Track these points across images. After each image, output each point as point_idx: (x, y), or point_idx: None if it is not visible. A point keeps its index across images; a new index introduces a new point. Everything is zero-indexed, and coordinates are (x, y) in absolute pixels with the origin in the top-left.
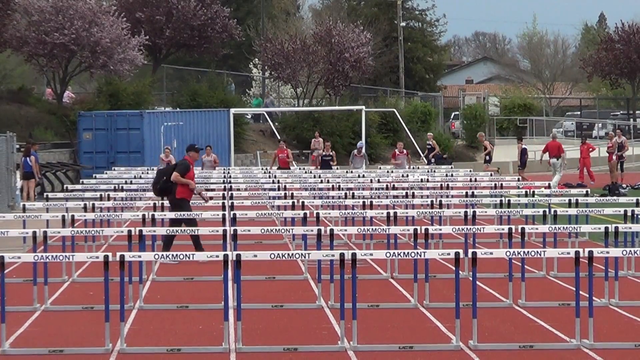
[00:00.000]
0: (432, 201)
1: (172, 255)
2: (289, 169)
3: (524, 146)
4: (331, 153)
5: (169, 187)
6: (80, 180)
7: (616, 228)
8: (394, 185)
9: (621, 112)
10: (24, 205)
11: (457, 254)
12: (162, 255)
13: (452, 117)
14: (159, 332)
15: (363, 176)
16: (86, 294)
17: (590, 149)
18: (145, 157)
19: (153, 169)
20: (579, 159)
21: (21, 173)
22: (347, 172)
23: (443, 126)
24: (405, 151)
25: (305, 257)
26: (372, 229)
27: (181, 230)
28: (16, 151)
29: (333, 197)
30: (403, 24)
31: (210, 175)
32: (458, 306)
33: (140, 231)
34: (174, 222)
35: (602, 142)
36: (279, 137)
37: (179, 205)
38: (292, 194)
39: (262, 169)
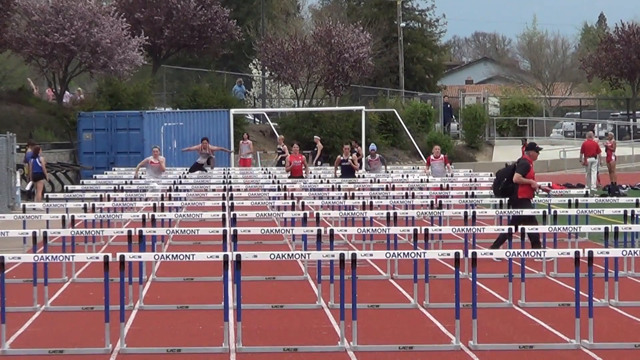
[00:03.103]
0: (431, 201)
1: (506, 252)
2: (302, 177)
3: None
4: (350, 157)
5: (510, 188)
6: (80, 181)
7: (616, 228)
8: (393, 185)
9: (621, 112)
10: (23, 205)
11: (457, 254)
12: (495, 252)
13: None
14: (159, 333)
15: (362, 177)
16: (86, 295)
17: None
18: (145, 157)
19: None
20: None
21: (30, 174)
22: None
23: (442, 126)
24: (442, 156)
25: (305, 257)
26: (372, 229)
27: (178, 230)
28: (16, 152)
29: (333, 198)
30: (403, 24)
31: (209, 175)
32: (458, 306)
33: (140, 231)
34: (513, 221)
35: (601, 142)
36: (278, 136)
37: (520, 204)
38: (292, 194)
39: (262, 169)
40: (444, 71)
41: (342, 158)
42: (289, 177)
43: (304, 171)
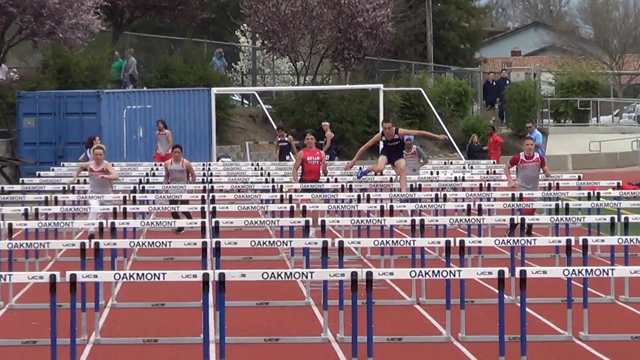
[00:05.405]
0: (468, 206)
1: (563, 270)
2: (318, 180)
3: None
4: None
5: None
6: (20, 179)
7: None
8: (419, 185)
9: None
10: None
11: (501, 272)
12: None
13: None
14: None
15: (381, 174)
16: (27, 325)
17: (499, 144)
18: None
19: (113, 165)
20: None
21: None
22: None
23: (482, 110)
24: (536, 155)
25: (307, 276)
26: (393, 240)
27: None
28: None
29: (343, 201)
30: None
31: (180, 189)
32: (502, 340)
33: (97, 244)
34: None
35: None
36: (275, 126)
37: None
38: (290, 196)
39: (252, 164)
40: (483, 40)
41: (383, 138)
42: (301, 181)
43: (319, 172)
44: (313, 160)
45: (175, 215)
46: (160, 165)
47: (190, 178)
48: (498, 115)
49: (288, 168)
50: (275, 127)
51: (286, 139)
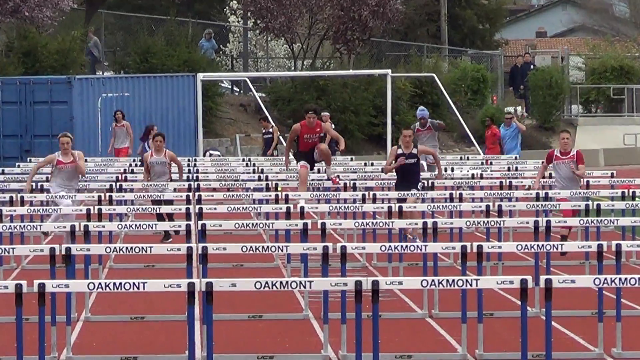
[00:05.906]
0: (487, 206)
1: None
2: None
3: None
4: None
5: None
6: None
7: None
8: (432, 183)
9: None
10: None
11: (524, 282)
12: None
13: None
14: None
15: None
16: None
17: (497, 137)
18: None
19: (86, 161)
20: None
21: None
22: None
23: (504, 98)
24: (573, 152)
25: (305, 286)
26: (402, 246)
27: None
28: None
29: (345, 201)
30: None
31: (164, 186)
32: (525, 357)
33: (68, 249)
34: None
35: None
36: (269, 117)
37: None
38: (286, 195)
39: (244, 160)
40: (505, 19)
41: (400, 151)
42: (298, 153)
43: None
44: (310, 138)
45: (161, 217)
46: (141, 160)
47: (178, 174)
48: (525, 105)
49: (281, 164)
50: (261, 118)
51: (270, 130)
